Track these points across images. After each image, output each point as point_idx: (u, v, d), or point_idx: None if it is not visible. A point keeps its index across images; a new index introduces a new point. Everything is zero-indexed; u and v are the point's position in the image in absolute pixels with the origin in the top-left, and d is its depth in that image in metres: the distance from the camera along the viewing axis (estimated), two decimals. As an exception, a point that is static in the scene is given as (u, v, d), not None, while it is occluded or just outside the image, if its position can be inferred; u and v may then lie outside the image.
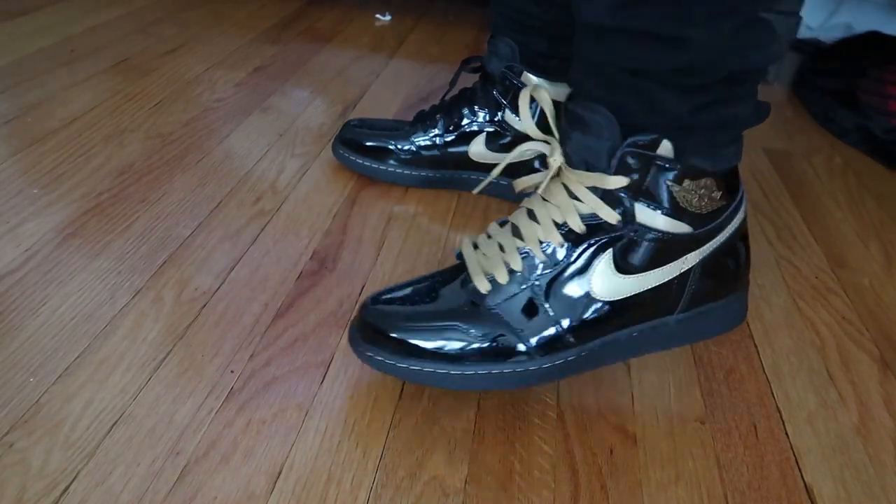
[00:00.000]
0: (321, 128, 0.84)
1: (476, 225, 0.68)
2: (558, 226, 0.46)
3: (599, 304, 0.46)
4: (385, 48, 1.12)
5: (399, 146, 0.71)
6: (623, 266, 0.46)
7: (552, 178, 0.48)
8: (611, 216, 0.45)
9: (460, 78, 0.73)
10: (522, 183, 0.55)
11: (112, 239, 0.61)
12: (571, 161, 0.46)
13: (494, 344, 0.46)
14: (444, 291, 0.49)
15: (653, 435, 0.47)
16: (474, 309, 0.46)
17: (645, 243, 0.46)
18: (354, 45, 1.12)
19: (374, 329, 0.46)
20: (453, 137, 0.70)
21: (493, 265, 0.47)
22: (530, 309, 0.46)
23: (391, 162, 0.71)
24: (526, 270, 0.46)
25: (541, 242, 0.46)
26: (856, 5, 1.28)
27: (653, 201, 0.45)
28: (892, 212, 0.78)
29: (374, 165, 0.72)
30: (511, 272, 0.46)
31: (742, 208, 0.49)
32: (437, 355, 0.46)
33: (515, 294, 0.46)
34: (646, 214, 0.45)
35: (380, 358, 0.46)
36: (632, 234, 0.45)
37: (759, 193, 0.79)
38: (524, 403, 0.48)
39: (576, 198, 0.45)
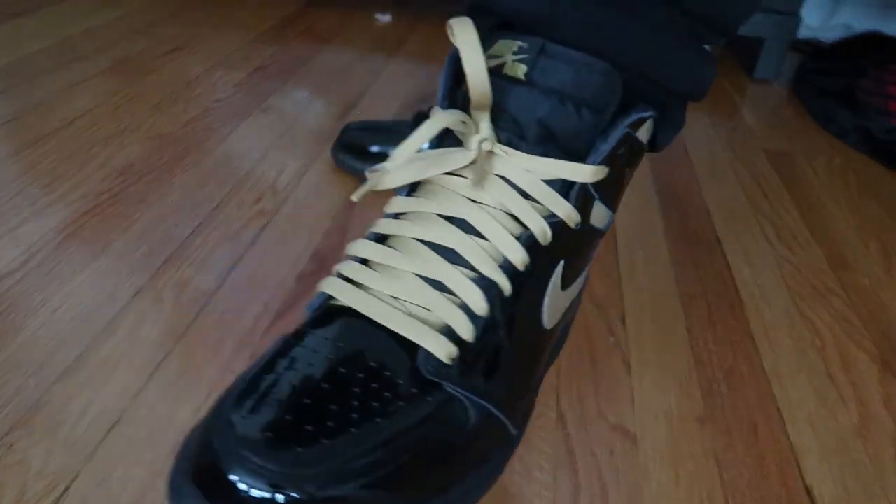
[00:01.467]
0: (321, 128, 0.84)
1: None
2: (517, 238, 0.31)
3: (545, 336, 0.34)
4: (385, 48, 1.12)
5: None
6: (566, 280, 0.34)
7: (474, 166, 0.31)
8: (572, 217, 0.31)
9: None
10: (380, 182, 0.32)
11: (112, 239, 0.61)
12: (502, 140, 0.31)
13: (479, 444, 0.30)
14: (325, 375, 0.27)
15: (653, 435, 0.47)
16: (424, 397, 0.28)
17: (587, 248, 0.35)
18: (354, 46, 1.12)
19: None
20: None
21: (440, 313, 0.29)
22: (496, 367, 0.30)
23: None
24: (494, 311, 0.30)
25: (500, 266, 0.30)
26: (856, 5, 1.28)
27: (609, 197, 0.33)
28: (892, 212, 0.78)
29: None
30: (474, 318, 0.29)
31: None
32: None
33: (483, 351, 0.30)
34: (598, 213, 0.33)
35: None
36: (583, 240, 0.33)
37: (759, 193, 0.79)
38: (524, 403, 0.48)
39: (526, 195, 0.31)
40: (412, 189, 0.33)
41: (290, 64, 1.03)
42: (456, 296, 0.29)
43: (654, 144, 0.35)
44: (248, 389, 0.26)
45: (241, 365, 0.49)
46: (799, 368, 0.54)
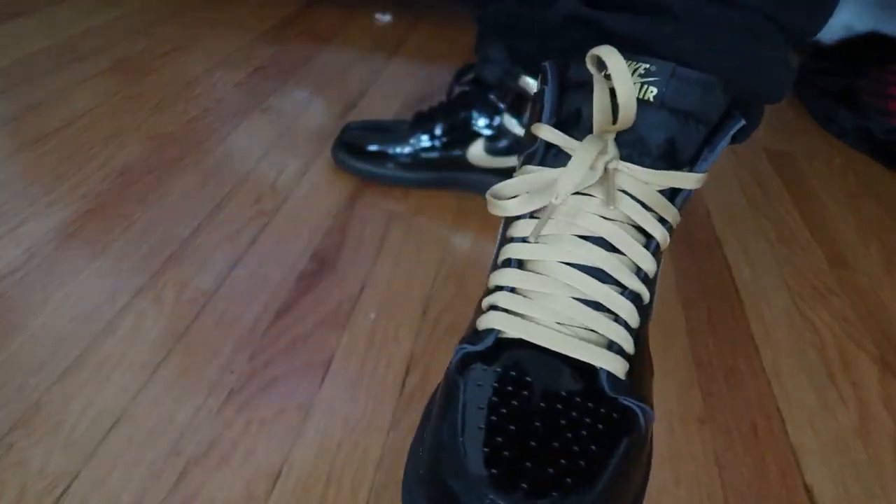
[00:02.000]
0: (321, 128, 0.84)
1: (476, 226, 0.68)
2: (646, 247, 0.33)
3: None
4: (385, 48, 1.12)
5: (398, 150, 0.71)
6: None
7: (601, 185, 0.32)
8: (677, 219, 0.33)
9: (460, 77, 0.73)
10: (508, 207, 0.34)
11: (112, 239, 0.61)
12: (622, 156, 0.32)
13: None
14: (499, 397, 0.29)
15: (653, 435, 0.47)
16: (611, 414, 0.30)
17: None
18: (354, 45, 1.12)
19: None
20: (452, 141, 0.71)
21: (604, 332, 0.31)
22: (648, 371, 0.33)
23: (389, 165, 0.71)
24: (643, 320, 0.33)
25: (640, 275, 0.32)
26: (856, 5, 1.28)
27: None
28: (892, 212, 0.78)
29: (373, 169, 0.72)
30: (631, 332, 0.32)
31: None
32: None
33: (639, 360, 0.33)
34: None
35: None
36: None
37: (759, 193, 0.79)
38: (524, 403, 0.48)
39: (646, 206, 0.32)
40: (534, 210, 0.33)
41: (290, 64, 1.03)
42: (613, 313, 0.31)
43: (733, 139, 0.37)
44: (462, 430, 0.28)
45: (241, 365, 0.49)
46: (799, 368, 0.54)
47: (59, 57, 0.97)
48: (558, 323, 0.31)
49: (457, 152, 0.71)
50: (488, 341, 0.31)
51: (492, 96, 0.68)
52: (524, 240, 0.33)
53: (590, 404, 0.30)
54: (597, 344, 0.31)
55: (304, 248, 0.62)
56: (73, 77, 0.92)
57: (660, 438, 0.47)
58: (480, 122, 0.69)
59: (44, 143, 0.75)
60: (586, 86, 0.32)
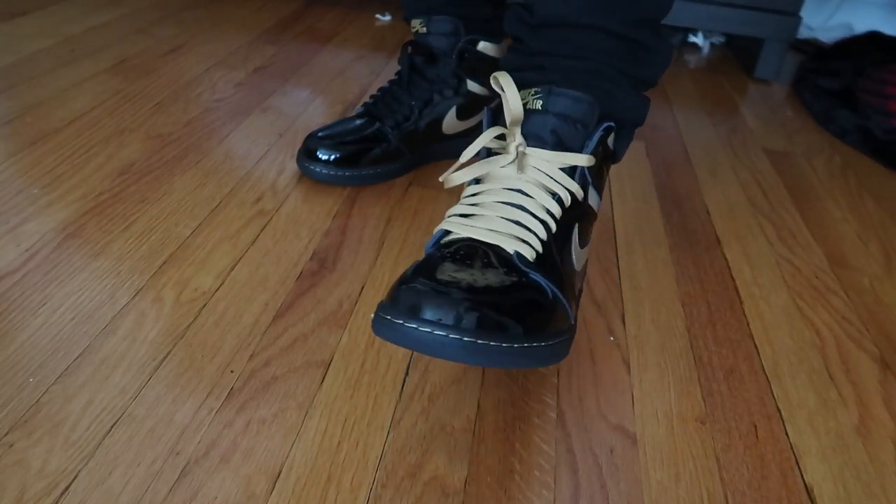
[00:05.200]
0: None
1: (476, 225, 0.68)
2: (553, 195, 0.48)
3: (575, 272, 0.50)
4: (385, 48, 1.12)
5: (383, 144, 0.73)
6: (581, 240, 0.51)
7: (515, 162, 0.49)
8: (578, 192, 0.49)
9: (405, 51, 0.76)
10: (455, 179, 0.49)
11: (112, 239, 0.61)
12: (529, 145, 0.49)
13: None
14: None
15: (653, 435, 0.47)
16: (521, 278, 0.43)
17: (588, 223, 0.52)
18: (354, 45, 1.12)
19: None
20: (427, 115, 0.74)
21: (520, 235, 0.45)
22: (554, 268, 0.46)
23: (373, 162, 0.72)
24: (549, 236, 0.47)
25: (547, 211, 0.47)
26: (856, 5, 1.28)
27: (597, 184, 0.52)
28: (892, 212, 0.78)
29: (361, 173, 0.72)
30: (539, 239, 0.46)
31: None
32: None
33: (546, 259, 0.46)
34: (591, 196, 0.51)
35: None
36: (587, 212, 0.51)
37: (759, 193, 0.79)
38: (524, 403, 0.48)
39: (549, 177, 0.48)
40: (475, 182, 0.50)
41: (290, 64, 1.03)
42: (527, 228, 0.46)
43: (614, 156, 0.56)
44: (418, 271, 0.42)
45: (240, 365, 0.49)
46: (799, 368, 0.54)
47: (60, 57, 0.98)
48: (489, 229, 0.46)
49: (433, 124, 0.75)
50: (435, 237, 0.47)
51: (456, 68, 0.73)
52: (476, 181, 0.49)
53: (504, 270, 0.43)
54: (513, 238, 0.46)
55: (304, 248, 0.62)
56: (73, 77, 0.92)
57: (660, 438, 0.47)
58: (450, 92, 0.74)
59: (44, 143, 0.75)
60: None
